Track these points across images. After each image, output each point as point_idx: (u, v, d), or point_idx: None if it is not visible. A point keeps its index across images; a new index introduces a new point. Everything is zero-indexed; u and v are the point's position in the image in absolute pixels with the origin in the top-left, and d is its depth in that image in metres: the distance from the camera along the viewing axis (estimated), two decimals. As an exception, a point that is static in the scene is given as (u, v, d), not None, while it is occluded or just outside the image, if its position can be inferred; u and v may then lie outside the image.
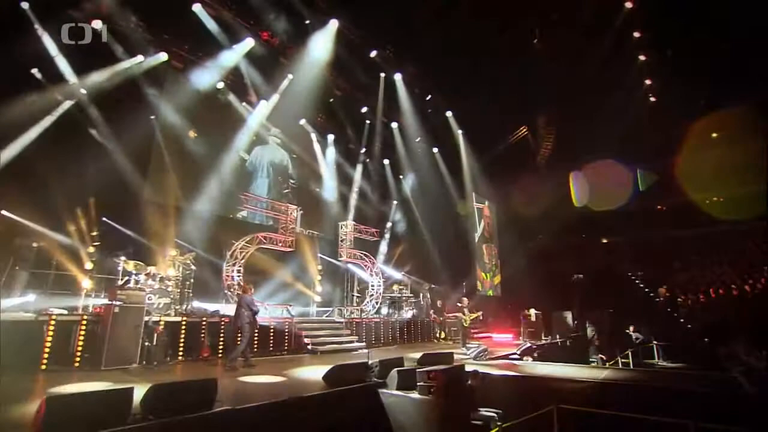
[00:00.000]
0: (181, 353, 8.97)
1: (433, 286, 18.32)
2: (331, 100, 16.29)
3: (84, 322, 7.79)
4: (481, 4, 15.27)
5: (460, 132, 20.35)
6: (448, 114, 19.36)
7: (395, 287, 17.09)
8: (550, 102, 19.15)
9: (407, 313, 16.24)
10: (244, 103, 14.62)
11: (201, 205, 12.84)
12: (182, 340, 9.10)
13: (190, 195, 12.66)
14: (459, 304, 13.25)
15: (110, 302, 7.72)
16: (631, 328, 15.76)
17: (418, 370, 6.38)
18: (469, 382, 6.73)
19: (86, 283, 9.79)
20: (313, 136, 17.17)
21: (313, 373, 7.67)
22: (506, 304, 20.40)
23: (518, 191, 22.36)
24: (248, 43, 13.26)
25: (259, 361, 9.44)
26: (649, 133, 21.37)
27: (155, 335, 8.31)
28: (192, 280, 10.31)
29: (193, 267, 10.39)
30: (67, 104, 10.38)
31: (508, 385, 7.10)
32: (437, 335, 16.40)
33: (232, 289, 10.85)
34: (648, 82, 18.52)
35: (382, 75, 16.21)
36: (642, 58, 16.71)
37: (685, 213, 25.12)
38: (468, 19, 15.51)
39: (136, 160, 11.46)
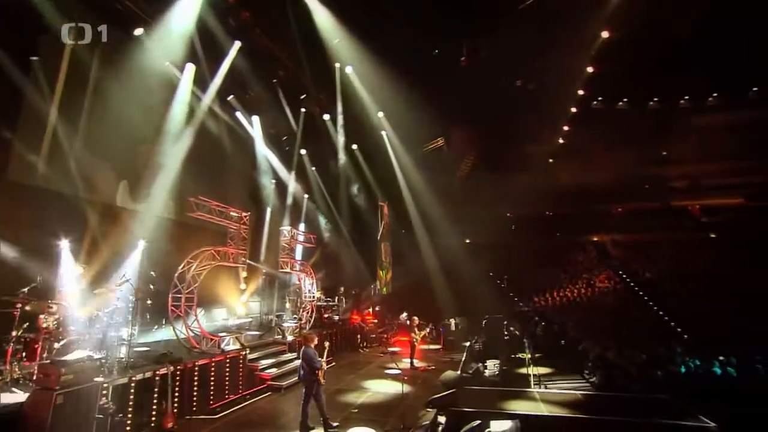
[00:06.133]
0: (129, 429, 6.35)
1: (354, 291, 17.79)
2: (275, 80, 13.69)
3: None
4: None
5: (385, 133, 19.96)
6: (380, 114, 18.68)
7: (317, 294, 15.96)
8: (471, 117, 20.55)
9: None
10: (168, 62, 11.02)
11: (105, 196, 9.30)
12: (131, 410, 6.47)
13: (94, 182, 9.00)
14: (408, 322, 13.15)
15: (48, 389, 4.82)
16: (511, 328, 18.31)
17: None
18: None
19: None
20: (239, 115, 14.25)
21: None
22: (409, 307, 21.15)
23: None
24: (196, -12, 9.92)
25: (232, 417, 7.53)
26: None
27: (109, 417, 5.68)
28: (137, 317, 7.35)
29: (133, 299, 7.40)
30: None
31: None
32: (362, 345, 16.07)
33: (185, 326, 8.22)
34: (566, 128, 21.74)
35: (337, 65, 14.50)
36: (573, 110, 19.44)
37: (530, 223, 30.58)
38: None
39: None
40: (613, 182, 28.34)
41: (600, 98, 24.25)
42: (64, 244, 7.88)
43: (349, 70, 14.97)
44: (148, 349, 8.55)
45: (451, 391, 8.84)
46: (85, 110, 9.39)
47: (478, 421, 6.88)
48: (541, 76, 19.72)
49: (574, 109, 20.40)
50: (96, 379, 5.37)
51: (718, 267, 20.62)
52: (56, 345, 6.22)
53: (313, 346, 7.09)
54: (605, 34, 15.09)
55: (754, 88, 25.85)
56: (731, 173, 27.21)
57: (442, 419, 7.39)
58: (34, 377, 5.41)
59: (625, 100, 26.64)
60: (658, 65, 19.81)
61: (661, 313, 19.00)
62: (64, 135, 8.82)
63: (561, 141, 23.88)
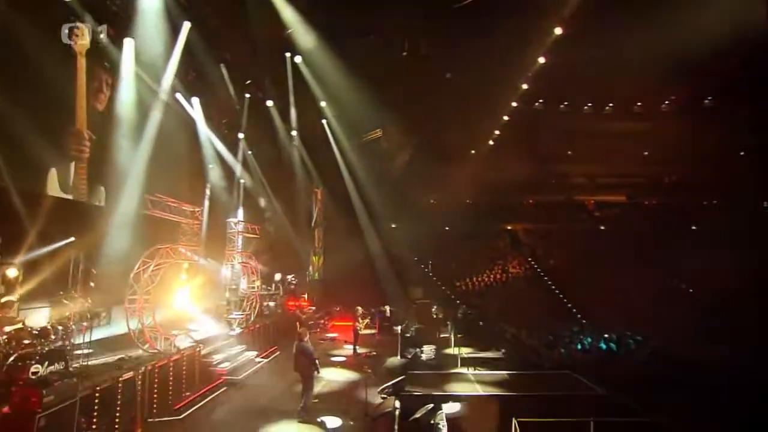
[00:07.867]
0: (96, 440, 6.22)
1: (289, 277, 17.93)
2: (222, 64, 12.98)
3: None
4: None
5: (326, 121, 20.02)
6: (323, 104, 18.65)
7: (257, 283, 15.90)
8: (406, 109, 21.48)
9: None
10: (103, 34, 9.97)
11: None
12: (95, 420, 6.31)
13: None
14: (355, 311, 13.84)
15: (28, 413, 4.62)
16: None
17: None
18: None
19: None
20: (179, 96, 13.33)
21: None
22: (340, 292, 21.58)
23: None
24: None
25: (198, 416, 7.64)
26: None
27: None
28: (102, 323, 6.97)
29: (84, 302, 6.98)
30: None
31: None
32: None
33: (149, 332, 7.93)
34: (497, 132, 23.48)
35: (288, 54, 14.20)
36: (505, 118, 21.11)
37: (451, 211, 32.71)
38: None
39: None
40: (526, 176, 31.40)
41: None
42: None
43: (298, 60, 14.77)
44: (90, 350, 8.14)
45: (400, 378, 9.83)
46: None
47: (431, 405, 7.95)
48: (474, 72, 21.24)
49: (506, 118, 22.26)
50: (73, 398, 5.22)
51: (605, 256, 24.59)
52: (7, 361, 5.81)
53: (306, 339, 7.60)
54: (541, 60, 16.73)
55: (638, 103, 30.54)
56: (618, 174, 32.06)
57: (398, 404, 8.32)
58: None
59: (541, 101, 29.68)
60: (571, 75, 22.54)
61: (561, 296, 22.20)
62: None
63: (491, 142, 25.90)
